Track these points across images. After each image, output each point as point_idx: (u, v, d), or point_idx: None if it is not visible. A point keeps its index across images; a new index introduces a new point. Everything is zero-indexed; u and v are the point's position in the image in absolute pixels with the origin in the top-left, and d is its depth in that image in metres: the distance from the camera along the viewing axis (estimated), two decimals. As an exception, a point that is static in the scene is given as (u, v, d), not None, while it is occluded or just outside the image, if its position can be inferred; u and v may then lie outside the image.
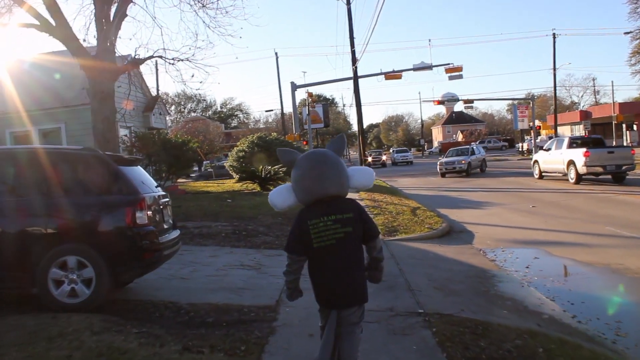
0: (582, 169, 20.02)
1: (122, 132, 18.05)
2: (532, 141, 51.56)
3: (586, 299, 6.53)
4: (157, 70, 27.72)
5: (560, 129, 56.30)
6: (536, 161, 24.56)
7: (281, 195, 3.50)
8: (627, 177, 20.28)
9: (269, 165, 22.07)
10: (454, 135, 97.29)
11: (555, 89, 52.92)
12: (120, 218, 5.46)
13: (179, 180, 36.00)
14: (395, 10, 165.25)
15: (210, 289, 6.79)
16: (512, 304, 6.32)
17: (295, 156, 3.48)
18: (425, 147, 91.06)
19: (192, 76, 15.44)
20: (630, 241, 9.63)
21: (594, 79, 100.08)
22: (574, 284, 7.25)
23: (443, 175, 29.45)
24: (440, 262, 8.43)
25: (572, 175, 20.72)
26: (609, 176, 20.41)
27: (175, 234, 6.46)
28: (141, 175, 6.19)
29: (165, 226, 6.18)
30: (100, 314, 5.23)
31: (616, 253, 8.70)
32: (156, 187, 6.38)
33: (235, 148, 31.16)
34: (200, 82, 17.47)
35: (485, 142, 77.37)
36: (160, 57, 14.42)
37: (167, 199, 6.48)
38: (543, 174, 23.76)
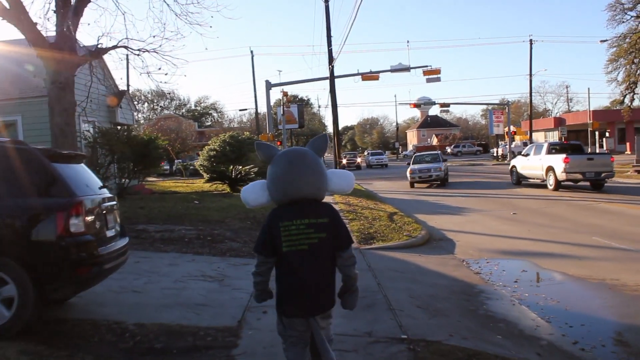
0: (561, 176, 19.66)
1: (85, 127, 16.96)
2: (507, 146, 51.64)
3: (586, 321, 5.85)
4: (127, 64, 26.69)
5: (534, 135, 56.54)
6: (514, 166, 24.18)
7: (254, 192, 3.28)
8: (606, 184, 19.98)
9: (241, 165, 21.20)
10: (429, 139, 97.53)
11: (530, 95, 53.11)
12: (51, 225, 4.51)
13: (150, 178, 34.77)
14: (373, 13, 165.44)
15: (164, 306, 5.94)
16: (505, 326, 5.61)
17: (274, 152, 3.27)
18: (400, 150, 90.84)
19: (160, 69, 14.46)
20: (621, 253, 9.07)
21: (567, 87, 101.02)
22: (570, 302, 6.57)
23: (413, 184, 25.23)
24: (422, 275, 7.71)
25: (550, 181, 20.35)
26: (588, 183, 20.10)
27: (123, 242, 5.56)
28: (82, 174, 5.27)
29: (110, 234, 5.28)
30: (21, 341, 4.34)
31: (609, 267, 8.11)
32: (101, 188, 5.46)
33: (206, 147, 30.19)
34: (165, 74, 16.21)
35: (460, 147, 77.59)
36: (125, 47, 13.45)
37: (114, 202, 5.57)
38: (521, 179, 23.39)
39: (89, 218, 4.75)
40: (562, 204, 15.90)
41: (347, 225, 11.40)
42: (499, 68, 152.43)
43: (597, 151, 42.04)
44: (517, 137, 55.40)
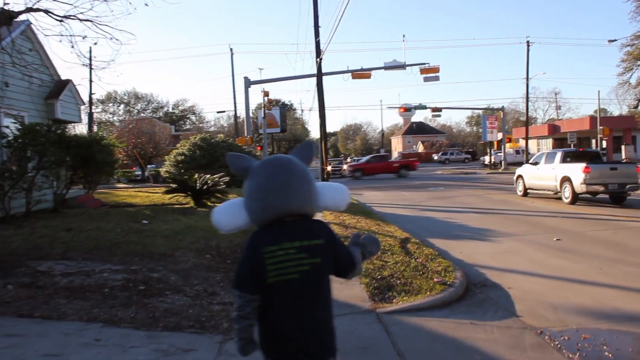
0: (580, 187, 17.00)
1: (6, 120, 13.34)
2: (502, 154, 49.10)
3: None
4: (90, 55, 23.05)
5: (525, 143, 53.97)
6: (520, 176, 21.40)
7: (229, 213, 2.50)
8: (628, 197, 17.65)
9: (212, 172, 17.65)
10: (414, 146, 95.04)
11: (527, 100, 50.49)
12: None
13: (120, 185, 31.02)
14: (362, 12, 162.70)
15: None
16: None
17: (250, 162, 2.55)
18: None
19: (95, 44, 11.06)
20: None
21: (556, 93, 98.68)
22: None
23: None
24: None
25: (567, 194, 17.72)
26: (606, 196, 17.72)
27: None
28: None
29: None
30: None
31: None
32: None
33: (174, 151, 26.59)
34: (92, 40, 11.93)
35: (447, 154, 74.87)
36: (45, 11, 9.96)
37: None
38: (528, 190, 20.63)
39: None
40: (603, 224, 12.95)
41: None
42: (489, 73, 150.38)
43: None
44: (507, 145, 52.93)
